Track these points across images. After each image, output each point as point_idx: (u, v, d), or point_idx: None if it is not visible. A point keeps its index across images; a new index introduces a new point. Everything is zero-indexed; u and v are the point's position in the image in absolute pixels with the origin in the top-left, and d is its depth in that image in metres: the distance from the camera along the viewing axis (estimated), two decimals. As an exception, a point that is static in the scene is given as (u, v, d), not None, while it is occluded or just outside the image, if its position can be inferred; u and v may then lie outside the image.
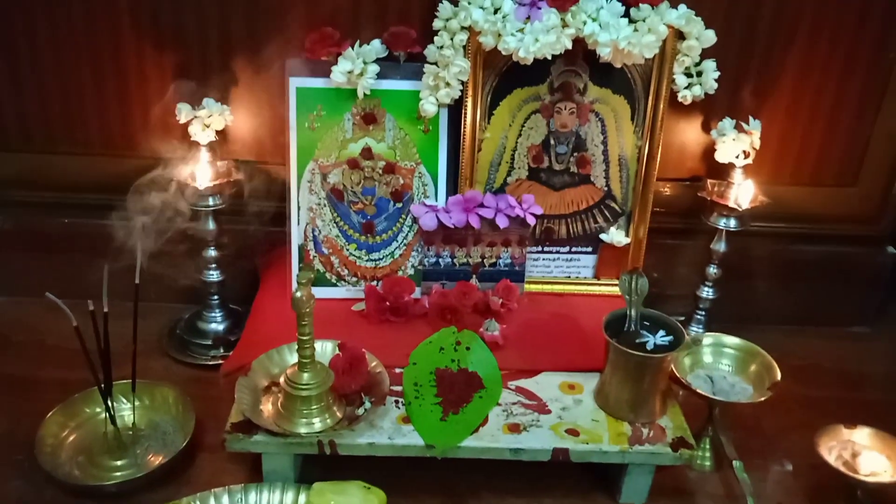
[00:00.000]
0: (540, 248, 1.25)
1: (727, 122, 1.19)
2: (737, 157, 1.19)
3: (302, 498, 0.93)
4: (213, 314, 1.26)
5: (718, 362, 1.08)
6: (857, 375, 1.28)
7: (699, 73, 1.14)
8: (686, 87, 1.14)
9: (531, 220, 1.17)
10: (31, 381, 1.16)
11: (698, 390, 1.01)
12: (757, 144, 1.18)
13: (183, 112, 1.16)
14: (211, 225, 1.18)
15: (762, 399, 1.00)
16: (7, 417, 1.08)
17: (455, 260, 1.20)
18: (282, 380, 0.96)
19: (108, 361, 0.98)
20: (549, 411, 1.01)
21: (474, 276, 1.21)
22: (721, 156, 1.20)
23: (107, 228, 1.21)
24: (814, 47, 1.18)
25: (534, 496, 1.01)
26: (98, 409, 1.05)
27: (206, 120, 1.16)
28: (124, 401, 1.06)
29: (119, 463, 1.00)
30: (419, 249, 1.20)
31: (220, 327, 1.26)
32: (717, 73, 1.13)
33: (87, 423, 1.05)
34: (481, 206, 1.17)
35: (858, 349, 1.34)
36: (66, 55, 1.18)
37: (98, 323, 0.96)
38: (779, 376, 1.02)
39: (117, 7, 1.15)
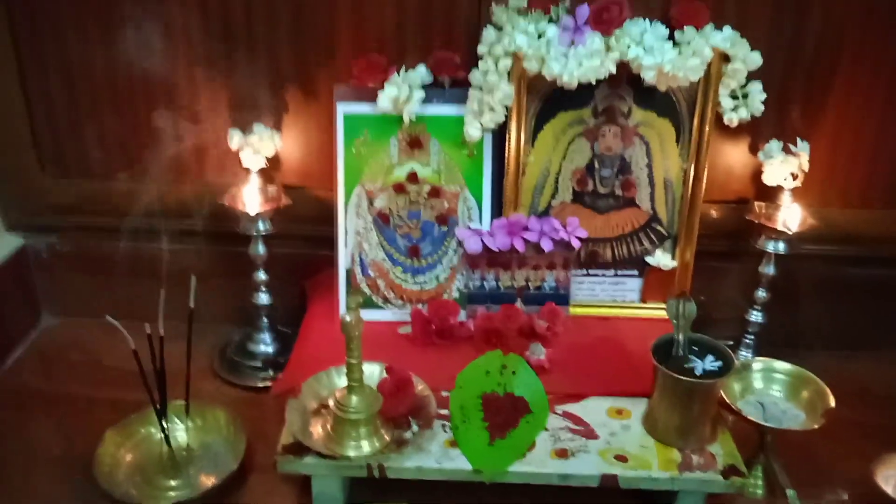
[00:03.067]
0: (585, 272, 1.25)
1: (774, 144, 1.18)
2: (785, 179, 1.17)
3: (351, 520, 0.95)
4: (263, 336, 1.28)
5: (769, 388, 1.06)
6: (913, 401, 1.25)
7: (745, 96, 1.13)
8: (732, 110, 1.13)
9: (576, 244, 1.17)
10: (88, 402, 1.19)
11: (749, 417, 1.00)
12: (805, 167, 1.17)
13: (235, 138, 1.19)
14: (261, 249, 1.21)
15: (815, 426, 0.98)
16: (65, 437, 1.11)
17: (500, 283, 1.21)
18: (331, 402, 0.97)
19: (164, 383, 1.01)
20: (597, 436, 1.00)
21: (519, 299, 1.21)
22: (769, 178, 1.19)
23: (162, 253, 1.26)
24: (860, 67, 1.17)
25: (581, 522, 1.00)
26: (153, 430, 1.07)
27: (257, 146, 1.19)
28: (178, 422, 1.08)
29: (174, 483, 1.03)
30: (464, 273, 1.21)
31: (270, 349, 1.28)
32: (764, 96, 1.12)
33: (142, 444, 1.07)
34: (526, 229, 1.18)
35: (913, 374, 1.31)
36: (122, 86, 1.22)
37: (154, 345, 0.98)
38: (832, 403, 1.00)
39: (172, 38, 1.19)
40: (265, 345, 1.28)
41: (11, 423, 1.14)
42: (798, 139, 1.17)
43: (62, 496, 1.02)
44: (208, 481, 1.02)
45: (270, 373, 1.24)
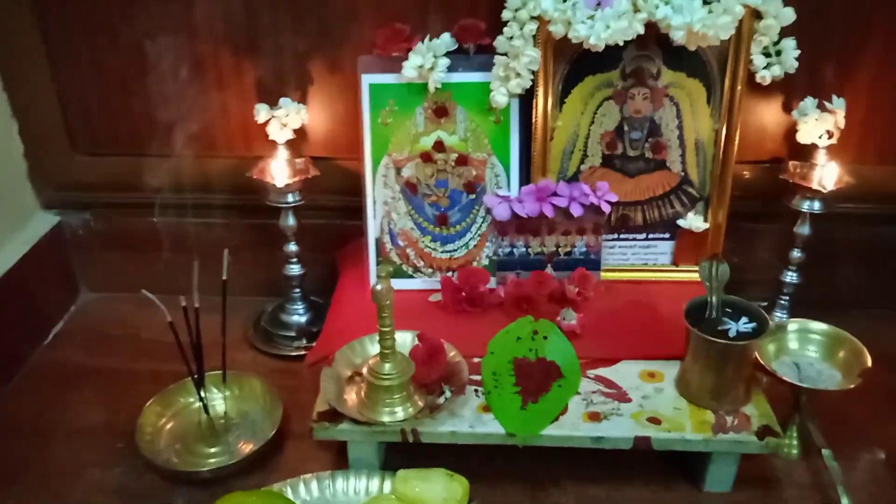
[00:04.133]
0: (616, 236, 1.24)
1: (809, 102, 1.16)
2: (820, 137, 1.15)
3: (387, 485, 0.96)
4: (296, 306, 1.30)
5: (805, 349, 1.05)
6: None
7: (778, 53, 1.10)
8: (765, 68, 1.11)
9: (606, 208, 1.16)
10: (128, 374, 1.22)
11: (784, 377, 0.99)
12: (841, 124, 1.14)
13: (262, 112, 1.19)
14: (291, 220, 1.22)
15: (852, 386, 0.97)
16: (107, 408, 1.15)
17: (529, 249, 1.21)
18: (364, 370, 0.98)
19: (201, 354, 1.03)
20: (629, 400, 1.00)
21: (549, 265, 1.21)
22: (803, 137, 1.16)
23: (193, 227, 1.27)
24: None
25: (615, 485, 1.01)
26: (192, 399, 1.10)
27: (284, 119, 1.19)
28: (215, 391, 1.11)
29: (213, 450, 1.05)
30: (493, 240, 1.21)
31: (303, 319, 1.29)
32: (798, 52, 1.10)
33: (182, 413, 1.10)
34: (555, 195, 1.17)
35: (952, 334, 1.28)
36: (149, 62, 1.23)
37: (190, 317, 1.00)
38: (869, 363, 0.99)
39: (195, 14, 1.19)
40: (298, 315, 1.30)
41: (54, 397, 1.18)
42: (834, 96, 1.15)
43: (107, 465, 1.05)
44: (246, 448, 1.04)
45: (304, 342, 1.26)
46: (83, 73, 1.25)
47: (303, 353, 1.22)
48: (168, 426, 1.09)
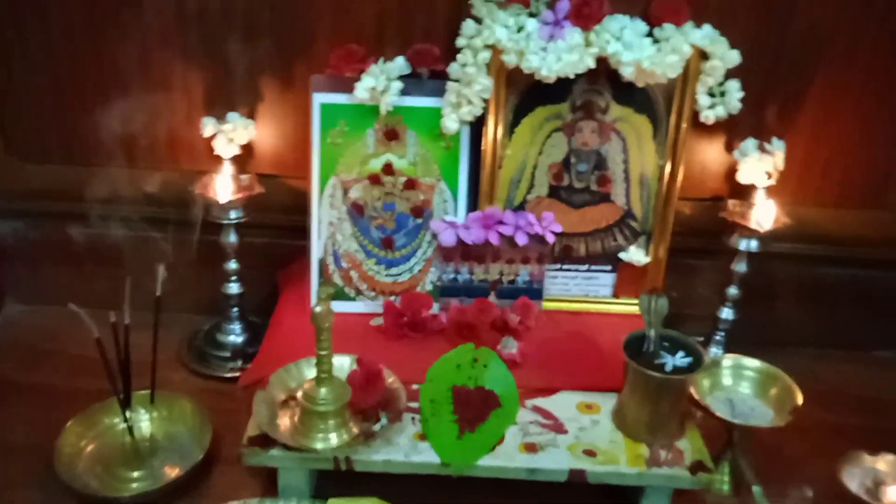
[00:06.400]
0: (559, 266, 1.25)
1: (750, 143, 1.18)
2: (759, 177, 1.18)
3: (317, 513, 0.94)
4: (233, 326, 1.26)
5: (738, 385, 1.06)
6: (882, 402, 1.26)
7: (722, 94, 1.13)
8: (709, 108, 1.13)
9: (550, 238, 1.17)
10: (53, 391, 1.17)
11: (717, 413, 1.00)
12: (780, 165, 1.17)
13: (208, 126, 1.17)
14: (232, 237, 1.19)
15: (783, 424, 0.99)
16: (28, 426, 1.09)
17: (473, 276, 1.20)
18: (299, 394, 0.96)
19: (129, 373, 0.99)
20: (566, 431, 1.00)
21: (493, 292, 1.21)
22: (743, 176, 1.19)
23: (129, 240, 1.23)
24: (838, 67, 1.17)
25: (550, 517, 1.00)
26: (117, 420, 1.05)
27: (231, 134, 1.17)
28: (143, 412, 1.07)
29: (136, 474, 1.01)
30: (438, 265, 1.20)
31: (239, 340, 1.26)
32: (741, 94, 1.13)
33: (105, 434, 1.05)
34: (501, 223, 1.17)
35: (883, 375, 1.32)
36: (92, 71, 1.20)
37: (119, 334, 0.97)
38: (800, 400, 1.00)
39: (147, 24, 1.16)
40: (235, 335, 1.26)
41: (-28, 412, 1.12)
42: (774, 138, 1.18)
43: (23, 487, 1.00)
44: (172, 472, 1.00)
45: (240, 363, 1.23)
46: (25, 76, 1.21)
47: (238, 374, 1.19)
48: (89, 448, 1.04)
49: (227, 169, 1.19)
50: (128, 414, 1.01)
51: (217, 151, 1.18)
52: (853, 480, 0.96)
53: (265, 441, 0.95)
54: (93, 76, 1.20)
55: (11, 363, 1.23)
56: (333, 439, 0.95)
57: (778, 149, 1.17)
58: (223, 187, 1.17)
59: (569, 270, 1.25)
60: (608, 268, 1.25)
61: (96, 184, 1.23)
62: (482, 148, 1.16)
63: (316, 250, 1.19)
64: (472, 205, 1.19)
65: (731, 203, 1.21)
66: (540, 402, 1.05)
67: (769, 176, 1.18)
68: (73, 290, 1.15)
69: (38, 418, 1.10)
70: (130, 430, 1.01)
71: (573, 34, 1.06)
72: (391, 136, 1.16)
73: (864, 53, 1.16)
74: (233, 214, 1.17)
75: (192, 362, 1.24)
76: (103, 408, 1.07)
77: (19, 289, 1.35)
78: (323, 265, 1.20)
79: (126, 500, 0.97)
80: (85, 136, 1.24)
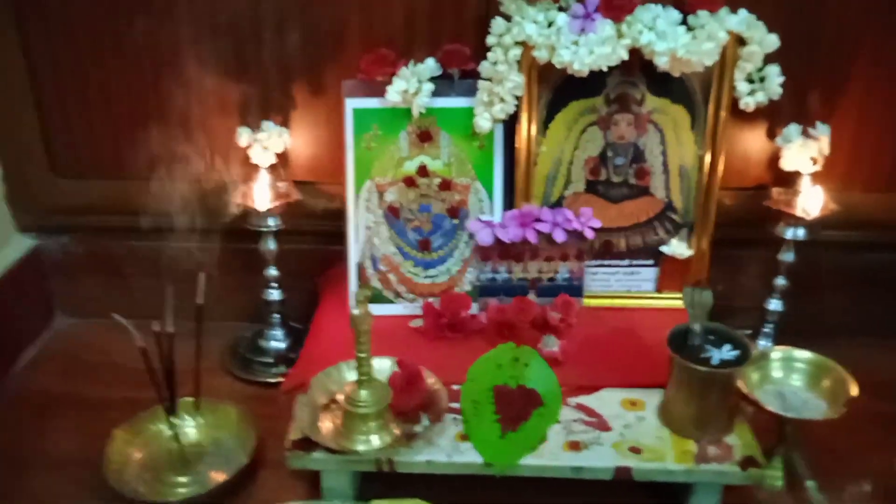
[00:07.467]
0: (599, 262, 1.23)
1: (793, 128, 1.15)
2: (804, 164, 1.15)
3: (361, 515, 0.94)
4: (275, 332, 1.28)
5: (789, 377, 1.03)
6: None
7: (762, 79, 1.10)
8: (749, 94, 1.11)
9: (589, 234, 1.15)
10: (100, 401, 1.19)
11: (768, 407, 0.97)
12: (826, 150, 1.14)
13: (243, 135, 1.18)
14: (271, 245, 1.20)
15: (837, 416, 0.95)
16: (78, 436, 1.11)
17: (512, 275, 1.19)
18: (340, 397, 0.96)
19: (173, 380, 1.01)
20: (610, 428, 0.98)
21: (532, 291, 1.19)
22: (787, 163, 1.16)
23: (173, 251, 1.26)
24: (884, 46, 1.13)
25: (596, 516, 0.98)
26: (163, 427, 1.07)
27: (266, 143, 1.19)
28: (188, 418, 1.08)
29: (183, 479, 1.02)
30: (476, 265, 1.20)
31: (282, 345, 1.27)
32: (782, 79, 1.10)
33: (152, 441, 1.07)
34: (538, 220, 1.16)
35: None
36: (131, 85, 1.22)
37: (163, 343, 0.98)
38: (854, 391, 0.97)
39: (179, 36, 1.18)
40: (277, 341, 1.27)
41: (25, 424, 1.15)
42: (818, 122, 1.14)
43: (74, 496, 1.02)
44: (218, 477, 1.01)
45: (283, 369, 1.23)
46: (66, 94, 1.24)
47: (280, 379, 1.20)
48: (137, 455, 1.05)
49: (264, 177, 1.20)
50: (173, 421, 1.02)
51: (253, 160, 1.20)
52: (914, 474, 0.92)
53: (308, 444, 0.95)
54: (131, 92, 1.23)
55: (60, 375, 1.26)
56: (375, 441, 0.95)
57: (823, 133, 1.14)
58: (261, 196, 1.18)
59: (609, 266, 1.23)
60: (650, 262, 1.23)
61: (138, 198, 1.25)
62: (516, 146, 1.15)
63: (354, 254, 1.20)
64: (508, 203, 1.18)
65: (775, 191, 1.18)
66: (583, 399, 1.03)
67: (814, 162, 1.14)
68: (119, 303, 1.17)
69: (87, 428, 1.12)
70: (177, 436, 1.03)
71: (604, 26, 1.04)
72: (424, 137, 1.16)
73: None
74: (271, 222, 1.18)
75: (236, 369, 1.26)
76: (149, 416, 1.08)
77: (68, 303, 1.39)
78: (361, 269, 1.20)
79: (174, 504, 0.98)
80: (125, 152, 1.26)
